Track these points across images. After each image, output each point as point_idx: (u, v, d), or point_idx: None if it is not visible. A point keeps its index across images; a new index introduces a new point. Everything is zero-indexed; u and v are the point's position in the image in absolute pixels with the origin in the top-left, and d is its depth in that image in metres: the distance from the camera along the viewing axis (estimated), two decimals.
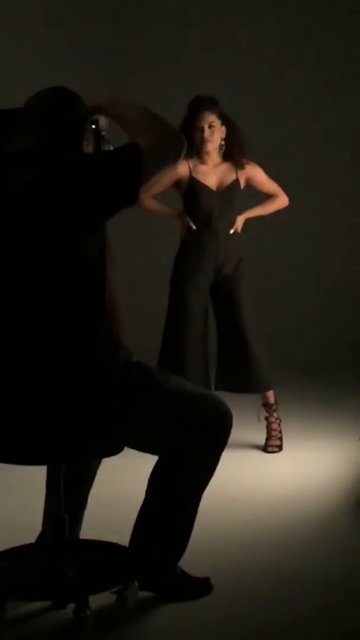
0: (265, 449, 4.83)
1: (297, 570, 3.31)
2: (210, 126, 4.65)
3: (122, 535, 3.08)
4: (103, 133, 2.94)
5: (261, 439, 4.87)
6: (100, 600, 2.90)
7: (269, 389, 4.84)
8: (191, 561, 3.10)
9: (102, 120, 2.94)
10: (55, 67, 6.61)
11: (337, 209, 7.12)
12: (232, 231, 4.75)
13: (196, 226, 4.74)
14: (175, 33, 7.20)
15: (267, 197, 4.91)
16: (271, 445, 4.83)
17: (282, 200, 4.92)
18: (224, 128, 4.69)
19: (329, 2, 7.02)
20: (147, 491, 3.04)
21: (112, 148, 2.90)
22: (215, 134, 4.68)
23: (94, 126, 2.92)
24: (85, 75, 6.28)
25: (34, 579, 2.92)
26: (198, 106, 4.66)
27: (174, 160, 2.83)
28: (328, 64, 7.05)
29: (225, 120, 4.70)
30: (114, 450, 2.88)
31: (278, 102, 7.13)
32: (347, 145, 7.06)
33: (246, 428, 4.79)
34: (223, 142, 4.72)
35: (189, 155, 4.64)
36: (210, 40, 7.15)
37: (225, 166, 4.78)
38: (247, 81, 7.09)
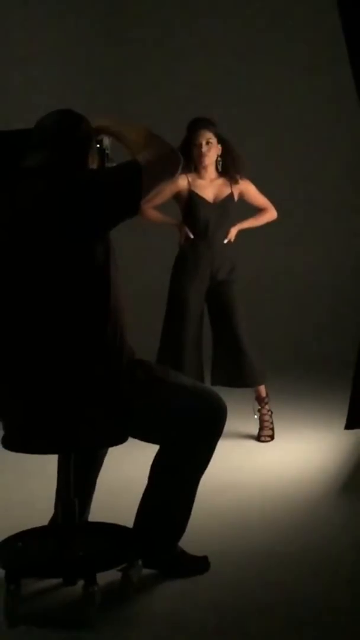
0: (258, 438, 4.84)
1: (287, 550, 3.32)
2: (207, 142, 4.69)
3: (126, 517, 3.08)
4: (107, 151, 2.95)
5: (254, 429, 4.88)
6: (107, 577, 2.91)
7: (260, 384, 4.85)
8: (190, 541, 3.10)
9: (106, 140, 2.95)
10: (63, 87, 6.63)
11: (327, 214, 7.11)
12: (226, 241, 4.78)
13: (194, 235, 4.76)
14: (178, 52, 7.22)
15: (258, 210, 4.94)
16: (264, 435, 4.84)
17: (271, 214, 4.95)
18: (219, 146, 4.73)
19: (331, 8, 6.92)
20: (150, 478, 3.04)
21: (115, 164, 2.91)
22: (212, 150, 4.71)
23: (98, 145, 2.93)
24: (92, 97, 6.30)
25: (46, 558, 2.92)
26: (196, 125, 4.71)
27: (171, 175, 2.84)
28: (328, 73, 6.95)
29: (221, 139, 4.73)
30: (119, 440, 2.89)
31: (277, 113, 7.13)
32: (344, 155, 7.02)
33: (240, 419, 4.80)
34: (220, 159, 4.75)
35: (188, 170, 4.67)
36: (212, 56, 7.17)
37: (221, 181, 4.80)
38: (246, 96, 7.11)
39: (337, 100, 6.57)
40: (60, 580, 2.98)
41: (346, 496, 3.91)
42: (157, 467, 3.02)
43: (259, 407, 4.88)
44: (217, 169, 4.77)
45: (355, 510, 3.73)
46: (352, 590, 3.00)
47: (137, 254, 6.82)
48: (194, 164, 4.73)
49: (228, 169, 4.77)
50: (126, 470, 3.94)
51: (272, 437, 4.84)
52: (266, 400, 4.88)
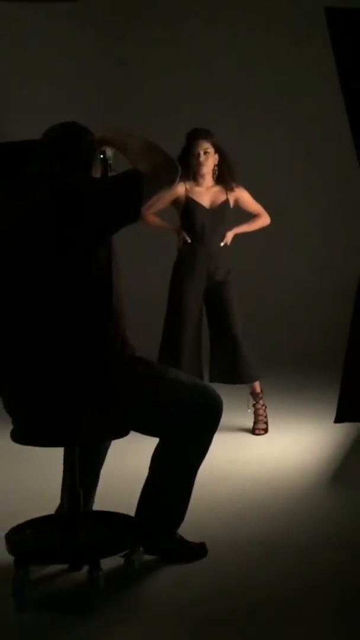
0: (252, 431, 4.86)
1: (280, 537, 3.33)
2: (205, 152, 4.71)
3: (129, 506, 3.10)
4: (110, 162, 2.96)
5: (249, 423, 4.89)
6: (110, 562, 2.93)
7: (255, 380, 4.87)
8: (189, 529, 3.12)
9: (109, 151, 2.96)
10: (66, 100, 6.63)
11: (324, 215, 7.12)
12: (222, 244, 4.80)
13: (191, 239, 4.78)
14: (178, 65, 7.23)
15: (252, 216, 4.97)
16: (258, 428, 4.86)
17: (264, 219, 4.97)
18: (216, 156, 4.75)
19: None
20: (150, 469, 3.06)
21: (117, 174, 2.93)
22: (209, 159, 4.73)
23: (101, 156, 2.95)
24: (94, 110, 6.31)
25: (53, 545, 2.93)
26: (195, 135, 4.73)
27: (170, 183, 2.86)
28: (328, 81, 6.87)
29: (218, 149, 4.76)
30: (121, 434, 2.91)
31: (275, 123, 7.12)
32: (342, 159, 6.99)
33: (236, 414, 4.81)
34: (216, 168, 4.77)
35: (186, 178, 4.69)
36: (213, 68, 7.18)
37: (217, 188, 4.82)
38: (244, 106, 7.12)
39: (336, 108, 6.56)
40: (66, 566, 3.01)
41: (337, 485, 3.93)
42: (157, 459, 3.04)
43: (254, 402, 4.90)
44: (213, 177, 4.80)
45: (345, 498, 3.75)
46: (345, 573, 3.02)
47: (139, 257, 6.83)
48: (192, 172, 4.75)
49: (224, 177, 4.80)
50: (128, 462, 3.95)
51: (266, 431, 4.86)
52: (260, 395, 4.91)
